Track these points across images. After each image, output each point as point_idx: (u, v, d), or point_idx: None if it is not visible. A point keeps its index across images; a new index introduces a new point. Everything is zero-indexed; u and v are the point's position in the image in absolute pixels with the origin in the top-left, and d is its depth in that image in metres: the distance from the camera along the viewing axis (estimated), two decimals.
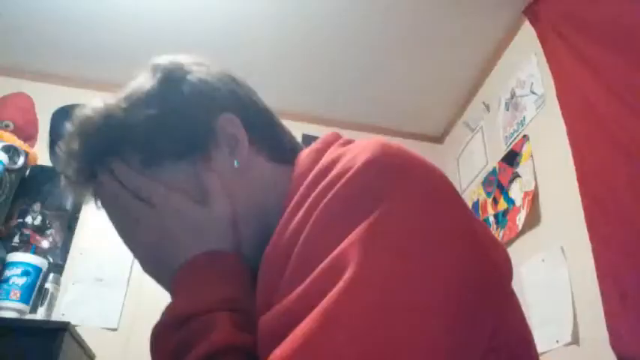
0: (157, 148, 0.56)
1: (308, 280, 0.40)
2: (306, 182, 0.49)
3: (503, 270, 0.47)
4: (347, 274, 0.38)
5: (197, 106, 0.57)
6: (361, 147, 0.47)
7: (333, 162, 0.48)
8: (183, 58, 0.61)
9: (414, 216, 0.41)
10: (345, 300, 0.37)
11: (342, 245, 0.40)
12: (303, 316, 0.38)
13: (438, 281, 0.39)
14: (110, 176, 0.57)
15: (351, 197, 0.43)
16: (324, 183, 0.46)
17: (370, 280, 0.37)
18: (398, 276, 0.38)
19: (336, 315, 0.36)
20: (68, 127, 0.59)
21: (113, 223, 0.59)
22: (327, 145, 0.57)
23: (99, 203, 0.60)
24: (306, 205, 0.46)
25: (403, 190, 0.42)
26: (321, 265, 0.40)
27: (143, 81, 0.59)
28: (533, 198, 1.84)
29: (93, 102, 0.59)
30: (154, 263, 0.56)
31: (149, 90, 0.58)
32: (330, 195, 0.44)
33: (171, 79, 0.58)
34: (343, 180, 0.44)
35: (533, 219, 1.83)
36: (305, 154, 0.58)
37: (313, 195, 0.46)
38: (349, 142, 0.57)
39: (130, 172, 0.56)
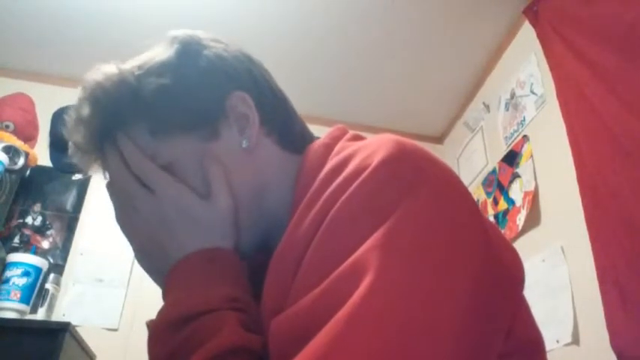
0: (166, 118, 0.55)
1: (325, 283, 0.39)
2: (319, 178, 0.48)
3: (516, 276, 0.48)
4: (366, 280, 0.37)
5: (211, 81, 0.57)
6: (376, 144, 0.46)
7: (347, 158, 0.47)
8: (202, 33, 0.60)
9: (433, 220, 0.41)
10: (366, 308, 0.36)
11: (361, 249, 0.39)
12: (320, 319, 0.37)
13: (456, 289, 0.39)
14: (116, 154, 0.56)
15: (368, 198, 0.42)
16: (338, 180, 0.44)
17: (390, 287, 0.37)
18: (417, 284, 0.38)
19: (359, 322, 0.36)
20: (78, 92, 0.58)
21: (113, 205, 0.57)
22: (336, 140, 0.56)
23: (107, 175, 0.59)
24: (320, 202, 0.45)
25: (421, 193, 0.42)
26: (340, 269, 0.39)
27: (159, 51, 0.58)
28: (533, 198, 1.84)
29: (105, 67, 0.57)
30: (149, 254, 0.55)
31: (165, 60, 0.57)
32: (346, 194, 0.43)
33: (189, 52, 0.57)
34: (360, 179, 0.43)
35: (533, 219, 1.83)
36: (314, 149, 0.57)
37: (327, 192, 0.45)
38: (357, 137, 0.56)
39: (136, 153, 0.55)
